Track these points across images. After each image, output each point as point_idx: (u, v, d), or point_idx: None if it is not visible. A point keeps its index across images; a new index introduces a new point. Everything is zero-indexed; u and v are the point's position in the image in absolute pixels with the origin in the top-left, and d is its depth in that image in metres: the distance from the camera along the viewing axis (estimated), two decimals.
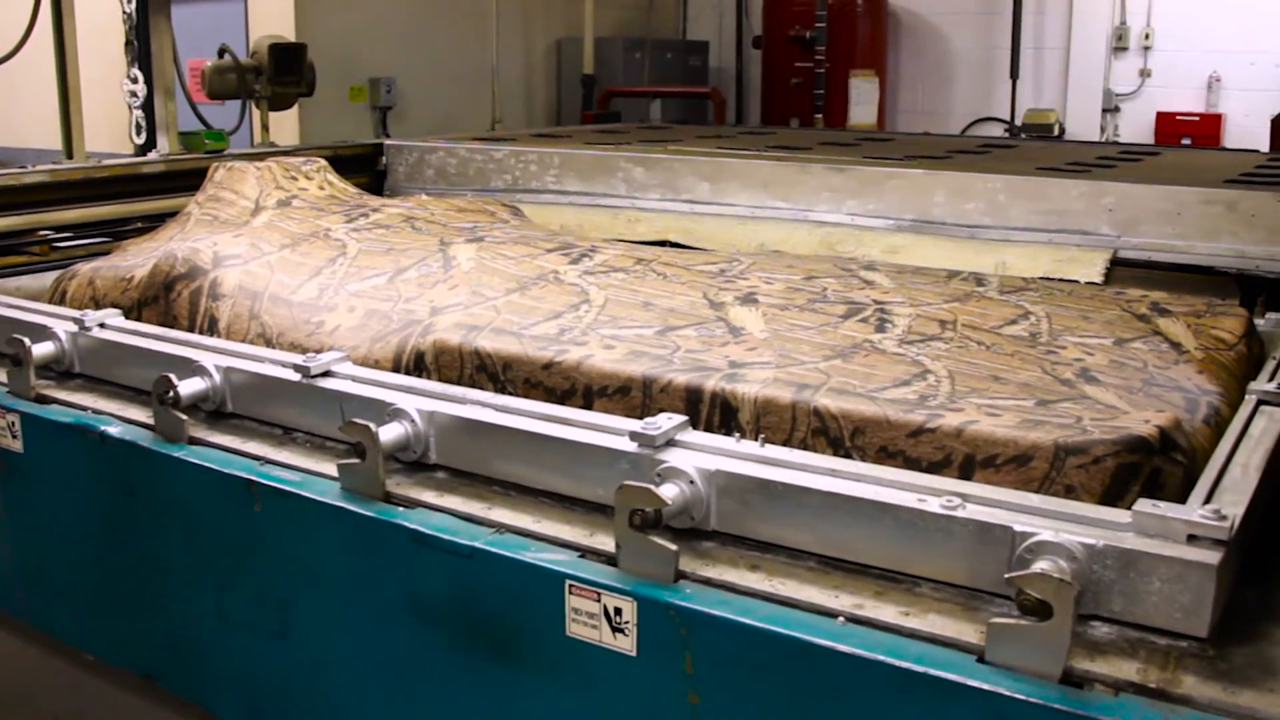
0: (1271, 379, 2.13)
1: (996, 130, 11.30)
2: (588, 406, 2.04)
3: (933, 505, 1.55)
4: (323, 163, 3.56)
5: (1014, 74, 11.14)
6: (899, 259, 3.31)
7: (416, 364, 2.25)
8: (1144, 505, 1.47)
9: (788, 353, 2.08)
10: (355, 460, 1.97)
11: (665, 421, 1.79)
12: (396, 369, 2.27)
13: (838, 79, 10.80)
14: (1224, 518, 1.43)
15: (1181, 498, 1.66)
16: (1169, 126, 10.62)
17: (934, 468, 1.72)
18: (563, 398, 2.07)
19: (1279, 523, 1.82)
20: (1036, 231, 3.25)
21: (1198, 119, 10.56)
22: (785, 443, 1.84)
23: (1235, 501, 1.54)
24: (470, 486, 1.99)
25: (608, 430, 1.85)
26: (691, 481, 1.70)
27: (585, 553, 1.75)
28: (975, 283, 2.56)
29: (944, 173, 3.50)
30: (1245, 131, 10.20)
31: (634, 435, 1.77)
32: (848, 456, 1.79)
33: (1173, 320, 2.36)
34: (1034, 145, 5.11)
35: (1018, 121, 10.96)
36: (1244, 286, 2.95)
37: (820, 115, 10.51)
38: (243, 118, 5.10)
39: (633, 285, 2.47)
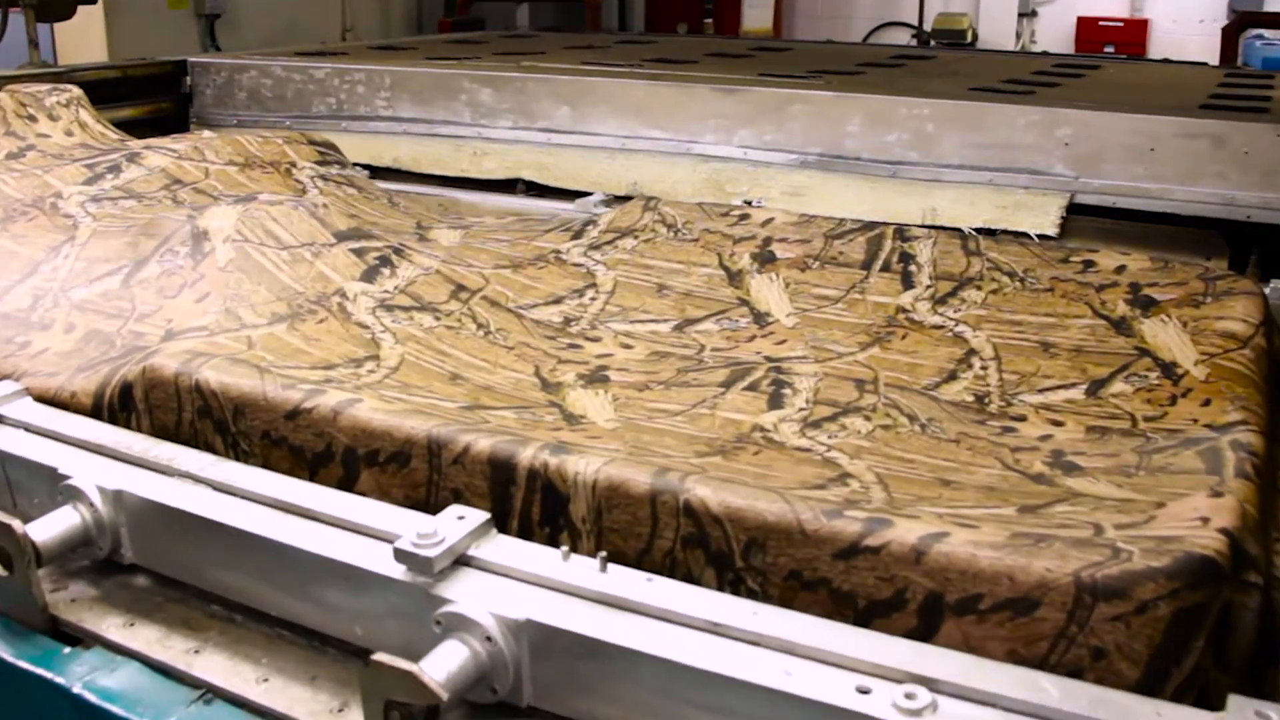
0: None
1: (903, 36, 10.59)
2: (349, 480, 1.36)
3: (880, 703, 0.92)
4: (76, 93, 2.79)
5: None
6: (804, 204, 2.67)
7: (123, 402, 1.56)
8: (1240, 708, 0.86)
9: (645, 445, 1.42)
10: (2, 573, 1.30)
11: (452, 527, 1.14)
12: (98, 409, 1.58)
13: None
14: None
15: (1258, 639, 1.07)
16: (1091, 33, 9.93)
17: (876, 610, 1.08)
18: (315, 463, 1.39)
19: None
20: (974, 170, 2.61)
21: (1122, 25, 9.87)
22: (641, 557, 1.18)
23: None
24: (180, 605, 1.35)
25: (367, 533, 1.19)
26: (488, 638, 1.05)
27: None
28: (902, 279, 1.95)
29: (858, 95, 2.85)
30: (1173, 39, 9.56)
31: (401, 554, 1.11)
32: (738, 585, 1.14)
33: (1162, 320, 1.76)
34: (953, 56, 4.45)
35: (927, 27, 10.26)
36: (1232, 242, 2.36)
37: (710, 20, 9.71)
38: (3, 31, 4.17)
39: (440, 342, 1.75)
